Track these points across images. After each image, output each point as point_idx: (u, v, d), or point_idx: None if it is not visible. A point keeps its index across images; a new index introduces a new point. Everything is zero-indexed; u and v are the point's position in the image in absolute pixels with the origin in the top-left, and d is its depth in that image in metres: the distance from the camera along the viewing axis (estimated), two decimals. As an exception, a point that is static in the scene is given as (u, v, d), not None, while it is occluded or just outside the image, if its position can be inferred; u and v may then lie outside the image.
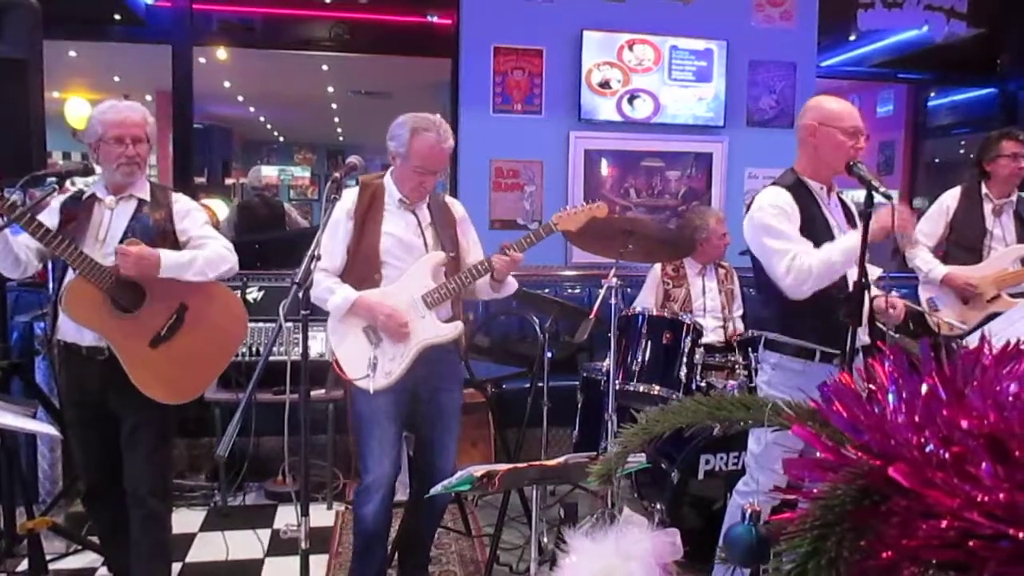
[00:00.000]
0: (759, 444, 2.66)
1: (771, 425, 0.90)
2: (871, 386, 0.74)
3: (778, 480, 2.46)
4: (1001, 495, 0.57)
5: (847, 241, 2.53)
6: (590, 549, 1.16)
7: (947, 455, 0.61)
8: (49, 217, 2.64)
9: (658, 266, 4.05)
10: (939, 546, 0.58)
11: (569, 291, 4.91)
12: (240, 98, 11.32)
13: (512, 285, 2.95)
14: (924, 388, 0.68)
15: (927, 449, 0.63)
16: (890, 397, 0.69)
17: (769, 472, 2.60)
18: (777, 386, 2.68)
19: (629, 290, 4.36)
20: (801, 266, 2.52)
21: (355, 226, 2.76)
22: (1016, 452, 0.58)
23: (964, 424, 0.61)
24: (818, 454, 0.72)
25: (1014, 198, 3.89)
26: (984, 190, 3.88)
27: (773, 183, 2.77)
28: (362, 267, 2.76)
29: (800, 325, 2.64)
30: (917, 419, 0.65)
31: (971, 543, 0.56)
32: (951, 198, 3.98)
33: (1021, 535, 0.55)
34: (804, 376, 2.59)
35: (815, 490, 0.68)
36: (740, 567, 0.99)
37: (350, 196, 2.80)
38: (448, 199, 3.02)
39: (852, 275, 2.51)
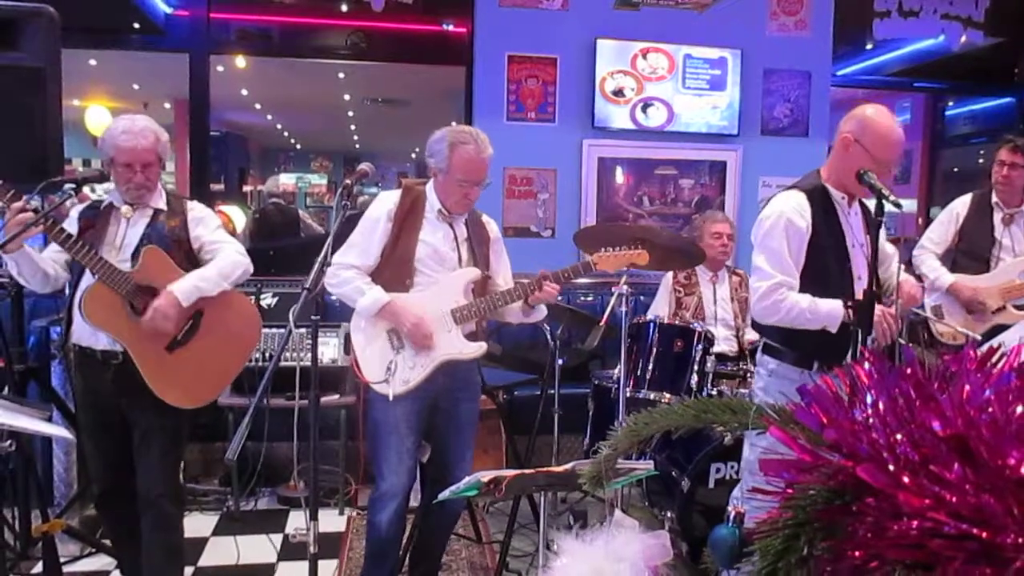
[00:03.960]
0: (753, 451, 2.65)
1: (756, 428, 0.91)
2: (849, 389, 0.74)
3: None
4: (969, 497, 0.57)
5: (830, 307, 2.48)
6: (580, 550, 1.16)
7: (916, 457, 0.62)
8: (68, 226, 2.68)
9: (670, 274, 4.05)
10: (905, 545, 0.59)
11: (582, 299, 4.91)
12: (257, 106, 11.41)
13: (542, 311, 2.91)
14: (897, 391, 0.69)
15: (897, 451, 0.63)
16: (868, 400, 0.70)
17: (760, 478, 2.58)
18: (772, 392, 2.65)
19: (642, 298, 4.37)
20: (779, 300, 2.51)
21: (394, 228, 2.75)
22: (983, 455, 0.59)
23: (934, 427, 0.62)
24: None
25: None
26: (994, 199, 3.85)
27: (793, 185, 2.72)
28: (395, 271, 2.75)
29: (802, 337, 2.60)
30: (889, 421, 0.66)
31: (936, 543, 0.57)
32: (961, 205, 3.95)
33: (985, 535, 0.55)
34: (800, 384, 2.58)
35: (790, 491, 0.69)
36: (724, 569, 0.99)
37: (391, 197, 2.79)
38: (485, 218, 2.99)
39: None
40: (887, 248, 2.84)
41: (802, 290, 2.57)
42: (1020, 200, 3.83)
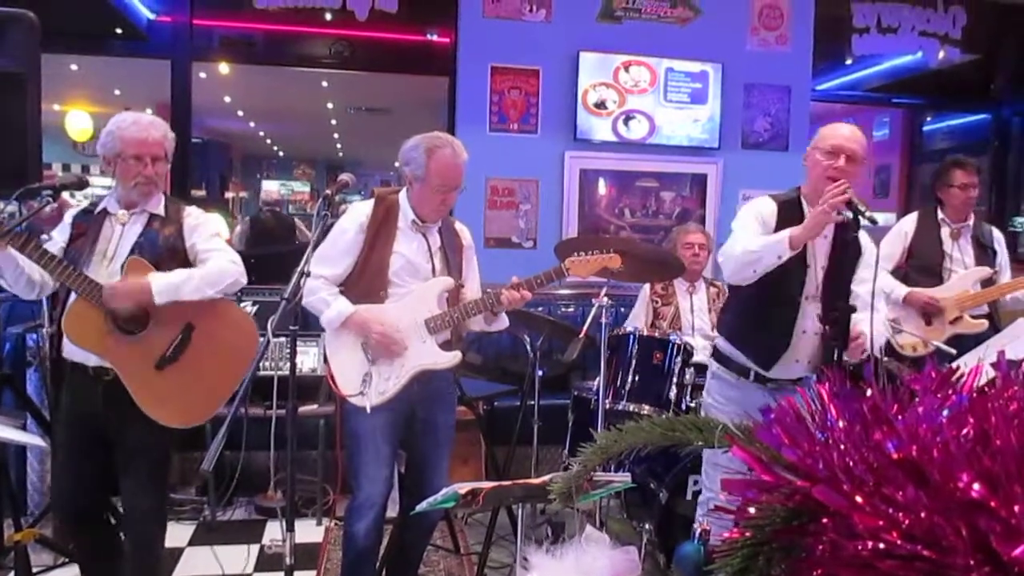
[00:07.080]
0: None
1: (720, 447, 0.92)
2: (810, 410, 0.76)
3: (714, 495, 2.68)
4: (920, 518, 0.58)
5: (775, 238, 2.57)
6: (549, 566, 1.17)
7: (871, 478, 0.63)
8: (61, 232, 2.61)
9: (647, 285, 4.08)
10: (859, 565, 0.60)
11: (563, 310, 4.92)
12: (240, 113, 11.38)
13: (504, 321, 2.91)
14: (854, 413, 0.70)
15: (853, 472, 0.64)
16: (827, 421, 0.71)
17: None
18: (714, 394, 2.91)
19: (622, 309, 4.38)
20: (727, 249, 2.65)
21: (367, 239, 2.72)
22: (935, 477, 0.60)
23: (888, 449, 0.63)
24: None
25: (971, 222, 3.95)
26: (940, 215, 3.95)
27: (770, 194, 2.83)
28: (369, 283, 2.73)
29: (741, 333, 2.80)
30: (846, 442, 0.67)
31: (887, 563, 0.58)
32: (909, 223, 4.05)
33: (935, 556, 0.56)
34: (737, 390, 2.81)
35: (751, 510, 0.70)
36: None
37: (364, 208, 2.76)
38: (458, 225, 2.97)
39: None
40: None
41: (748, 294, 2.72)
42: (966, 216, 3.93)
